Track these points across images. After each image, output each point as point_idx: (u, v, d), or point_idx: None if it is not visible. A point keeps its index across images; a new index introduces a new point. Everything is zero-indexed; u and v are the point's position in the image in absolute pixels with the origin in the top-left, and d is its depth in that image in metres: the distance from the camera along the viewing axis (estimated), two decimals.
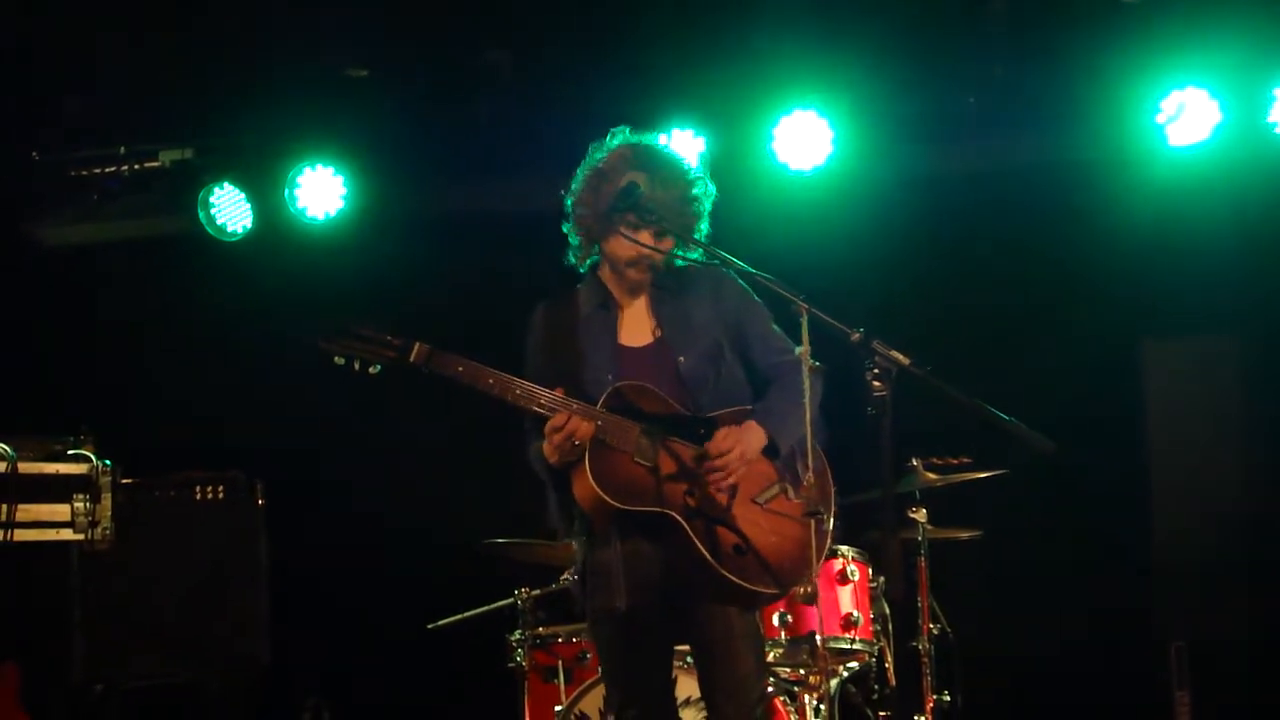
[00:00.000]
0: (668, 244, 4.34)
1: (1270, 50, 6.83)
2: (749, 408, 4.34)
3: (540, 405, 4.17)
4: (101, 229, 7.79)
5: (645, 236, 4.33)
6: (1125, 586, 7.20)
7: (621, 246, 4.37)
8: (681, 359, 4.34)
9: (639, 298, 4.46)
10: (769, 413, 4.29)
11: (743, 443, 4.21)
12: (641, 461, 4.18)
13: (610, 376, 4.28)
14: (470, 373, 4.17)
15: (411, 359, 4.16)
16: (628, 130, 4.50)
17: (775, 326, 4.42)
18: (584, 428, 4.11)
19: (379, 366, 4.16)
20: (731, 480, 4.21)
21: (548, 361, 4.38)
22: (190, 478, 6.69)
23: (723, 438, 4.20)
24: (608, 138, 4.49)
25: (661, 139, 4.64)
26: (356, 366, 4.16)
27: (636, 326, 4.43)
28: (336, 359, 4.16)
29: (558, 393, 4.18)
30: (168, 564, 6.56)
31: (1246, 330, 7.34)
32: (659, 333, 4.40)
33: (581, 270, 4.53)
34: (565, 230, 4.49)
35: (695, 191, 4.40)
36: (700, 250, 4.36)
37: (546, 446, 4.17)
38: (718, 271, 4.39)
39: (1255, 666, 7.03)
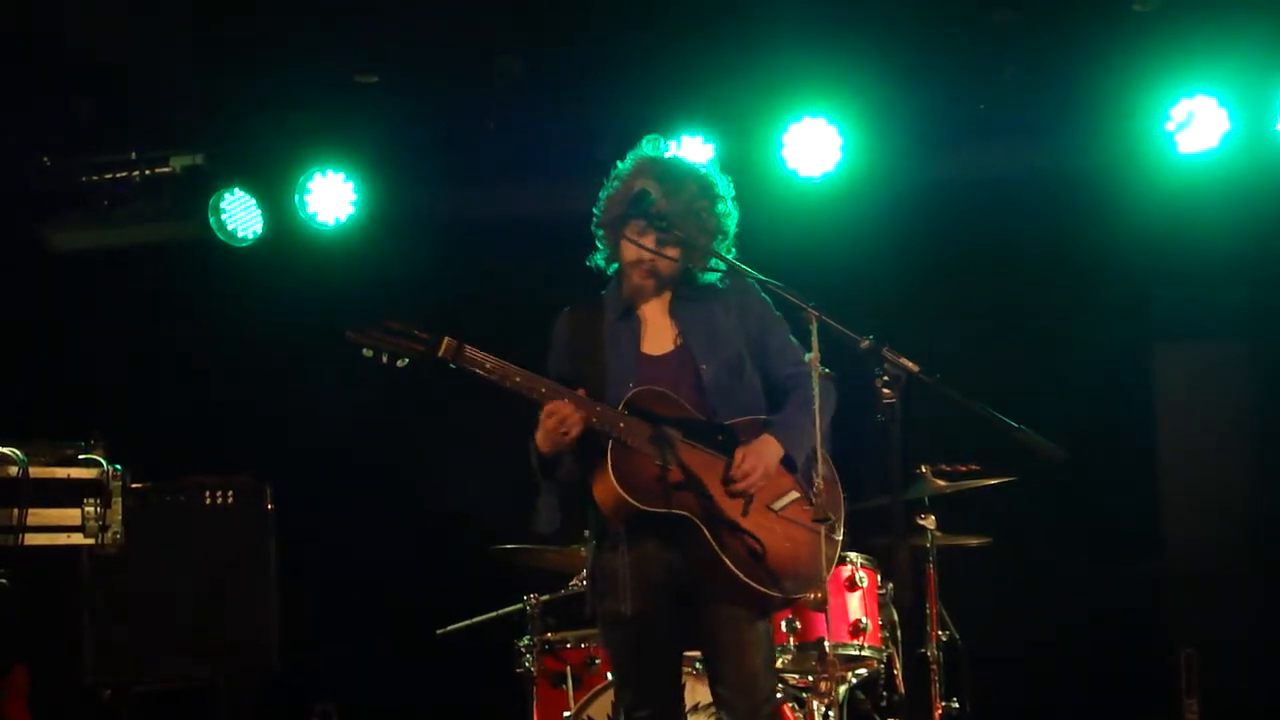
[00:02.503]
0: (672, 252, 4.36)
1: (1279, 59, 6.83)
2: (764, 418, 4.38)
3: None
4: (112, 234, 7.80)
5: (649, 241, 4.36)
6: (1135, 593, 7.20)
7: (626, 250, 4.42)
8: (704, 367, 4.37)
9: (661, 305, 4.49)
10: (785, 425, 4.33)
11: (764, 461, 4.26)
12: (660, 464, 4.21)
13: (631, 383, 4.31)
14: (498, 370, 4.20)
15: (440, 353, 4.18)
16: (660, 140, 4.55)
17: (793, 338, 4.45)
18: (576, 415, 4.13)
19: (407, 360, 4.18)
20: (751, 493, 4.26)
21: (570, 367, 4.42)
22: (200, 482, 6.70)
23: (742, 459, 4.25)
24: (643, 144, 4.54)
25: (672, 145, 4.69)
26: (385, 359, 4.18)
27: (658, 334, 4.46)
28: (365, 351, 4.18)
29: (580, 393, 4.22)
30: (178, 568, 6.57)
31: (1256, 335, 7.33)
32: (680, 341, 4.43)
33: (609, 273, 4.56)
34: (593, 227, 4.54)
35: (714, 208, 4.43)
36: (713, 259, 4.39)
37: (540, 432, 4.20)
38: (744, 283, 4.44)
39: (1265, 674, 7.02)
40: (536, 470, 4.36)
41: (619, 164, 4.53)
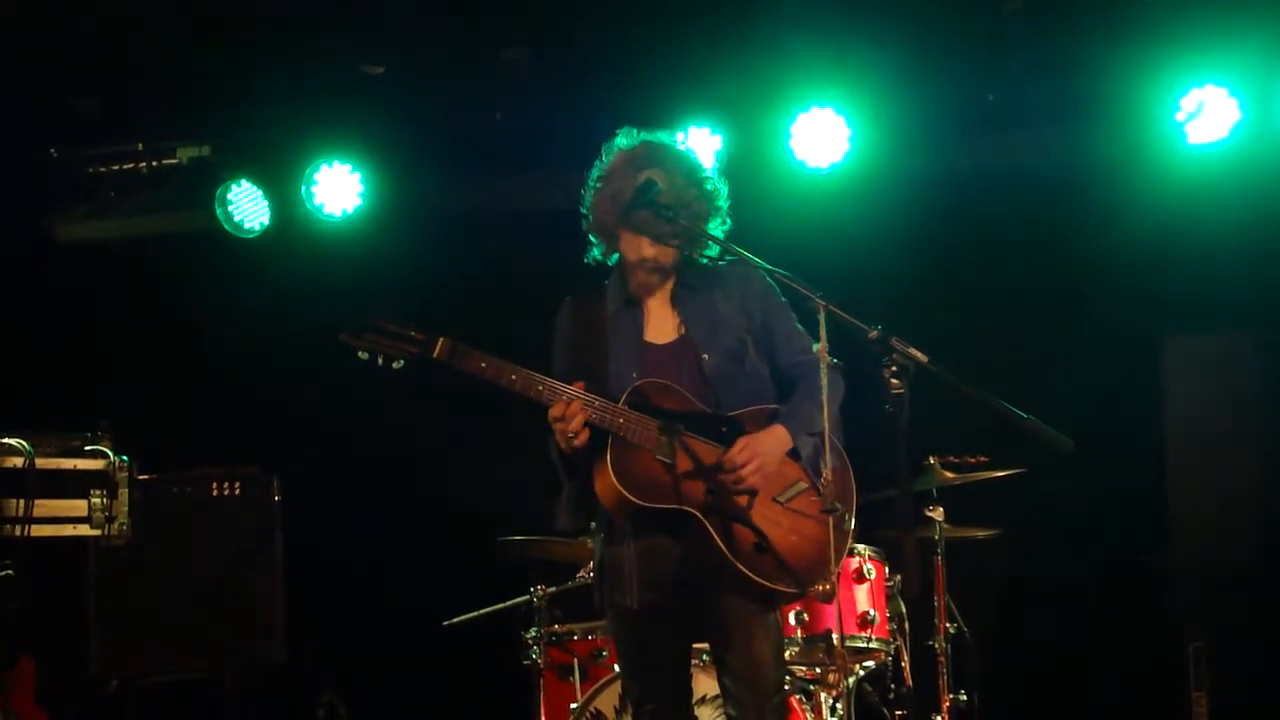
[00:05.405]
0: (675, 245, 4.33)
1: None
2: (771, 406, 4.33)
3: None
4: (119, 225, 7.80)
5: (655, 232, 4.31)
6: (1143, 586, 7.18)
7: (631, 247, 4.38)
8: (705, 356, 4.33)
9: (664, 294, 4.44)
10: (793, 415, 4.29)
11: (760, 454, 4.20)
12: (662, 459, 4.18)
13: (633, 374, 4.28)
14: (493, 369, 4.17)
15: (435, 355, 4.16)
16: (634, 130, 4.49)
17: (799, 325, 4.41)
18: (579, 416, 4.09)
19: (402, 361, 4.16)
20: (748, 487, 4.21)
21: (573, 357, 4.39)
22: (207, 474, 6.71)
23: (740, 449, 4.19)
24: (619, 137, 4.49)
25: (680, 137, 4.66)
26: (380, 361, 4.16)
27: (661, 323, 4.42)
28: (360, 354, 4.16)
29: (578, 387, 4.19)
30: (184, 560, 6.58)
31: (1266, 328, 7.31)
32: (683, 330, 4.39)
33: (609, 263, 4.52)
34: (585, 230, 4.48)
35: (709, 188, 4.40)
36: (717, 247, 4.36)
37: (557, 436, 4.18)
38: (746, 269, 4.38)
39: (1274, 667, 7.00)
40: (558, 469, 4.33)
41: (600, 159, 4.46)
